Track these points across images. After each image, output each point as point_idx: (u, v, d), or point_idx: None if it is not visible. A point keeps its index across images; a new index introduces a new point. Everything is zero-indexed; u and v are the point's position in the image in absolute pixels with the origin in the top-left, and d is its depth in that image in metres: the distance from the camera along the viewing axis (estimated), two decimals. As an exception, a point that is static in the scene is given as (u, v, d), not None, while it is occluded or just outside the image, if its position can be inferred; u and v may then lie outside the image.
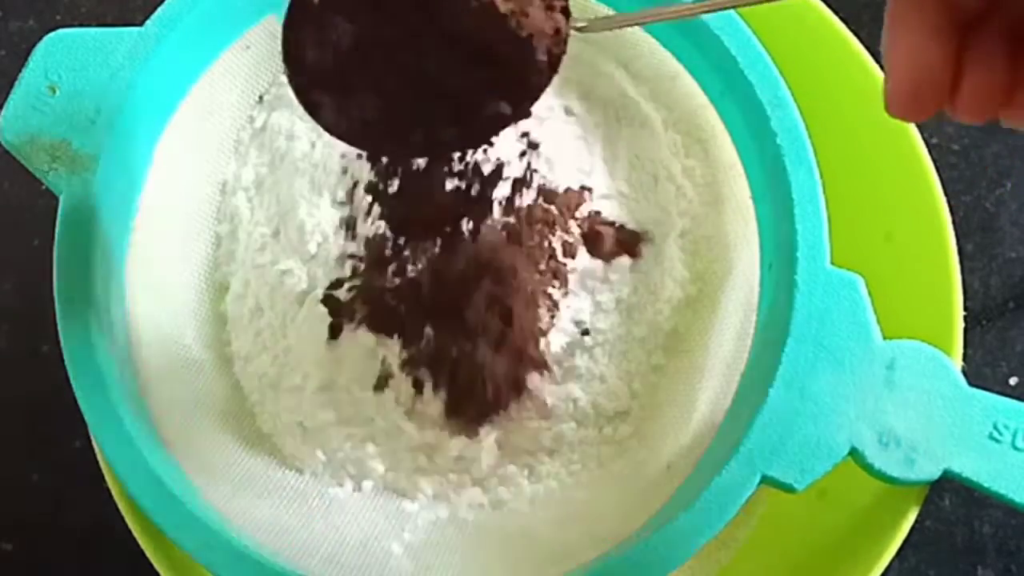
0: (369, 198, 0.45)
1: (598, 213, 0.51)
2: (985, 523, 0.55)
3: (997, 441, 0.43)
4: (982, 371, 0.58)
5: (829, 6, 0.54)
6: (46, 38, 0.47)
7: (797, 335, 0.43)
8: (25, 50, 0.48)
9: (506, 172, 0.45)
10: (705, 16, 0.47)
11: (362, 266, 0.49)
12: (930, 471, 0.43)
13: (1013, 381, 0.58)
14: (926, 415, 0.43)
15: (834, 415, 0.43)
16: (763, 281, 0.48)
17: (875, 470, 0.43)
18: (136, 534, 0.47)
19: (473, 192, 0.45)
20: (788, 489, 0.42)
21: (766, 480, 0.42)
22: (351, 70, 0.39)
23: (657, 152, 0.52)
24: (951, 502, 0.55)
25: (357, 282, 0.49)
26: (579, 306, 0.50)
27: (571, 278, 0.50)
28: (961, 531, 0.56)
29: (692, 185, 0.51)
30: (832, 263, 0.44)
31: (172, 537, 0.42)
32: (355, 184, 0.49)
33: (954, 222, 0.51)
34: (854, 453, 0.42)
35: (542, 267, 0.49)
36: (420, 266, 0.47)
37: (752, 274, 0.48)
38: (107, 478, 0.48)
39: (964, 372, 0.45)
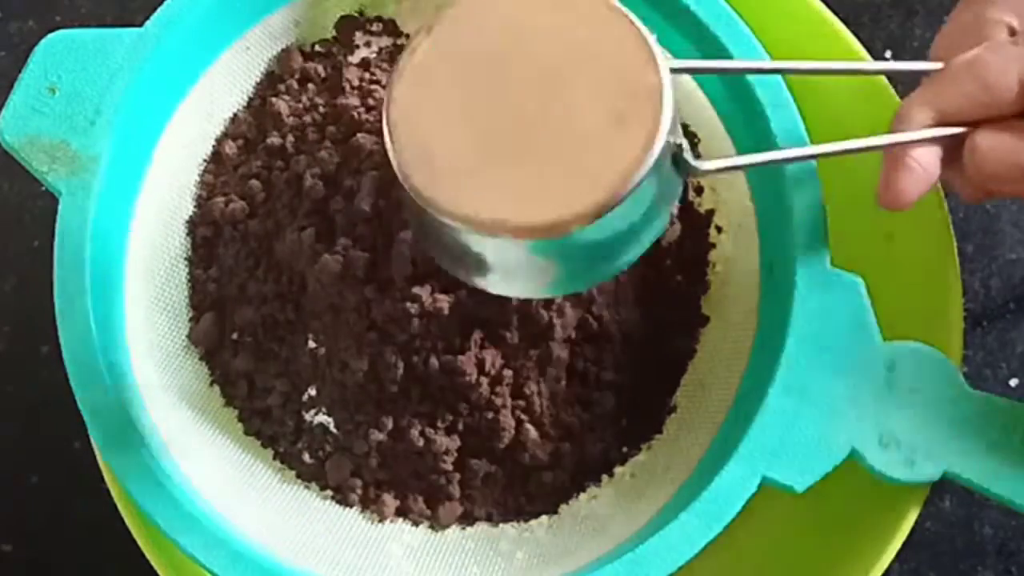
0: None
1: None
2: (985, 524, 0.55)
3: (997, 442, 0.43)
4: (982, 372, 0.58)
5: (829, 6, 0.54)
6: (46, 39, 0.47)
7: (797, 336, 0.44)
8: (25, 51, 0.48)
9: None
10: (704, 18, 0.47)
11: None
12: (930, 472, 0.43)
13: (1013, 382, 0.58)
14: (926, 416, 0.43)
15: (834, 416, 0.43)
16: (763, 282, 0.48)
17: (876, 471, 0.43)
18: (136, 534, 0.47)
19: None
20: (789, 490, 0.42)
21: (767, 481, 0.42)
22: None
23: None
24: (951, 503, 0.55)
25: None
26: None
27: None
28: (961, 532, 0.56)
29: (691, 186, 0.51)
30: (832, 264, 0.44)
31: (172, 538, 0.42)
32: None
33: (954, 223, 0.51)
34: (855, 454, 0.42)
35: None
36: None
37: (753, 275, 0.49)
38: (107, 478, 0.48)
39: (964, 373, 0.45)
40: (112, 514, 0.47)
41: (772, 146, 0.45)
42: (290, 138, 0.50)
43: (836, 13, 0.54)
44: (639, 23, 0.38)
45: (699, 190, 0.51)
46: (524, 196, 0.36)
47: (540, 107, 0.37)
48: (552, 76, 0.37)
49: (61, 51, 0.47)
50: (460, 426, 0.48)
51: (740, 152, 0.49)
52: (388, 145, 0.38)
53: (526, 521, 0.48)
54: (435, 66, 0.39)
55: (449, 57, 0.39)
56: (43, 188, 0.46)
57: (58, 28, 0.48)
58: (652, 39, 0.37)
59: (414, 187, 0.37)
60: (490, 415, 0.47)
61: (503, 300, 0.46)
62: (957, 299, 0.50)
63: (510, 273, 0.40)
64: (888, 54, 0.63)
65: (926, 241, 0.51)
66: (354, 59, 0.53)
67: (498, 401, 0.47)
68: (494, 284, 0.41)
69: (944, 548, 0.56)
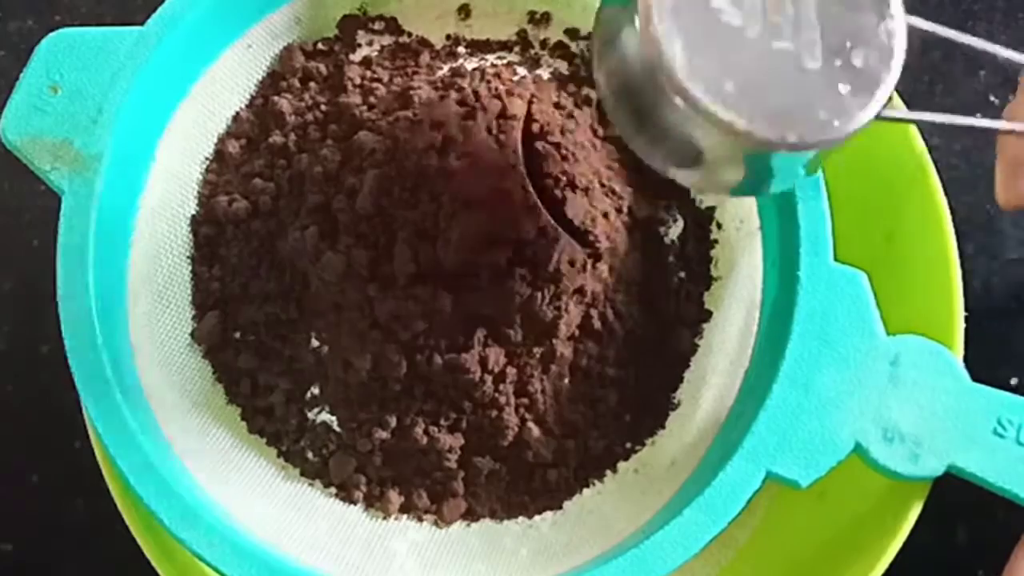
0: None
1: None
2: (987, 524, 0.55)
3: (1001, 436, 0.43)
4: (982, 372, 0.57)
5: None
6: (48, 37, 0.47)
7: (801, 331, 0.44)
8: (25, 50, 0.48)
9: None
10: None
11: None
12: (934, 466, 0.43)
13: (1014, 381, 0.58)
14: (930, 410, 0.43)
15: (838, 411, 0.43)
16: (766, 278, 0.48)
17: (880, 466, 0.43)
18: (136, 534, 0.47)
19: None
20: (793, 485, 0.42)
21: (771, 476, 0.42)
22: None
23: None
24: (953, 503, 0.55)
25: None
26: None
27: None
28: (962, 533, 0.56)
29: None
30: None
31: (176, 535, 0.42)
32: None
33: (954, 223, 0.51)
34: (859, 449, 0.42)
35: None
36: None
37: (755, 271, 0.49)
38: (107, 478, 0.48)
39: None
40: (112, 514, 0.47)
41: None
42: (292, 137, 0.50)
43: (836, 13, 0.54)
44: None
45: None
46: (756, 108, 0.37)
47: (786, 39, 0.38)
48: (800, 17, 0.39)
49: (63, 50, 0.47)
50: (464, 424, 0.48)
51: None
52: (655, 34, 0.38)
53: (530, 518, 0.48)
54: None
55: None
56: (43, 188, 0.46)
57: (58, 28, 0.48)
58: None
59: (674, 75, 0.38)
60: (494, 413, 0.47)
61: (506, 298, 0.46)
62: (958, 299, 0.50)
63: (708, 169, 0.41)
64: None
65: (926, 241, 0.51)
66: (356, 57, 0.53)
67: (501, 399, 0.47)
68: (688, 176, 0.42)
69: (945, 548, 0.56)
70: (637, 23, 0.38)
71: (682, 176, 0.41)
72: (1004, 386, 0.57)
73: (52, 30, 0.48)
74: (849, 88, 0.38)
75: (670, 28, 0.38)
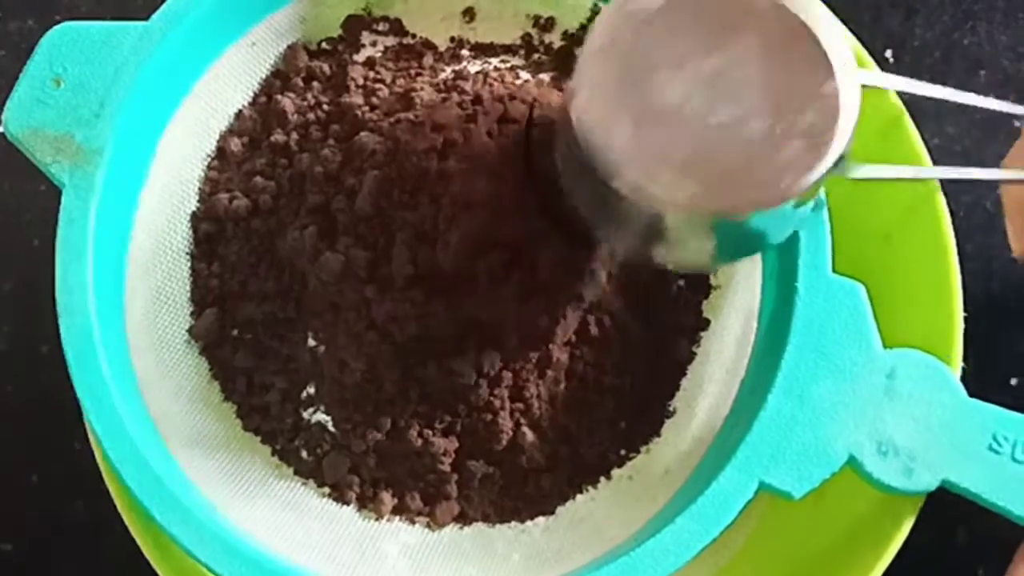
0: None
1: None
2: (988, 525, 0.55)
3: (996, 452, 0.43)
4: (982, 372, 0.57)
5: (829, 6, 0.54)
6: (52, 30, 0.47)
7: (797, 342, 0.43)
8: (25, 50, 0.48)
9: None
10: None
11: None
12: (928, 481, 0.43)
13: (1014, 382, 0.58)
14: (925, 425, 0.43)
15: (833, 423, 0.43)
16: (764, 288, 0.48)
17: (873, 479, 0.42)
18: (135, 534, 0.47)
19: None
20: (786, 496, 0.42)
21: (764, 487, 0.42)
22: None
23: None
24: (951, 504, 0.55)
25: None
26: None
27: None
28: (962, 533, 0.56)
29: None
30: (832, 268, 0.44)
31: (167, 531, 0.42)
32: None
33: (954, 223, 0.50)
34: (852, 462, 0.42)
35: None
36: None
37: (754, 281, 0.48)
38: (106, 478, 0.48)
39: (964, 373, 0.45)
40: (112, 514, 0.47)
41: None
42: (294, 136, 0.50)
43: (836, 13, 0.53)
44: (826, 33, 0.39)
45: None
46: (708, 181, 0.37)
47: (723, 102, 0.38)
48: (734, 76, 0.38)
49: (67, 43, 0.47)
50: (458, 427, 0.48)
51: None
52: (576, 121, 0.38)
53: (523, 522, 0.49)
54: (622, 51, 0.39)
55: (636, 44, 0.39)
56: (43, 188, 0.46)
57: (57, 28, 0.48)
58: (838, 51, 0.39)
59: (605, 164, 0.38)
60: (488, 417, 0.47)
61: (503, 302, 0.46)
62: (956, 299, 0.49)
63: (683, 246, 0.41)
64: (888, 53, 0.63)
65: (925, 241, 0.51)
66: (359, 58, 0.53)
67: (496, 403, 0.47)
68: (671, 257, 0.42)
69: (944, 549, 0.56)
70: (574, 111, 0.38)
71: (664, 257, 0.42)
72: (1004, 386, 0.57)
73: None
74: (796, 146, 0.37)
75: (605, 112, 0.38)
